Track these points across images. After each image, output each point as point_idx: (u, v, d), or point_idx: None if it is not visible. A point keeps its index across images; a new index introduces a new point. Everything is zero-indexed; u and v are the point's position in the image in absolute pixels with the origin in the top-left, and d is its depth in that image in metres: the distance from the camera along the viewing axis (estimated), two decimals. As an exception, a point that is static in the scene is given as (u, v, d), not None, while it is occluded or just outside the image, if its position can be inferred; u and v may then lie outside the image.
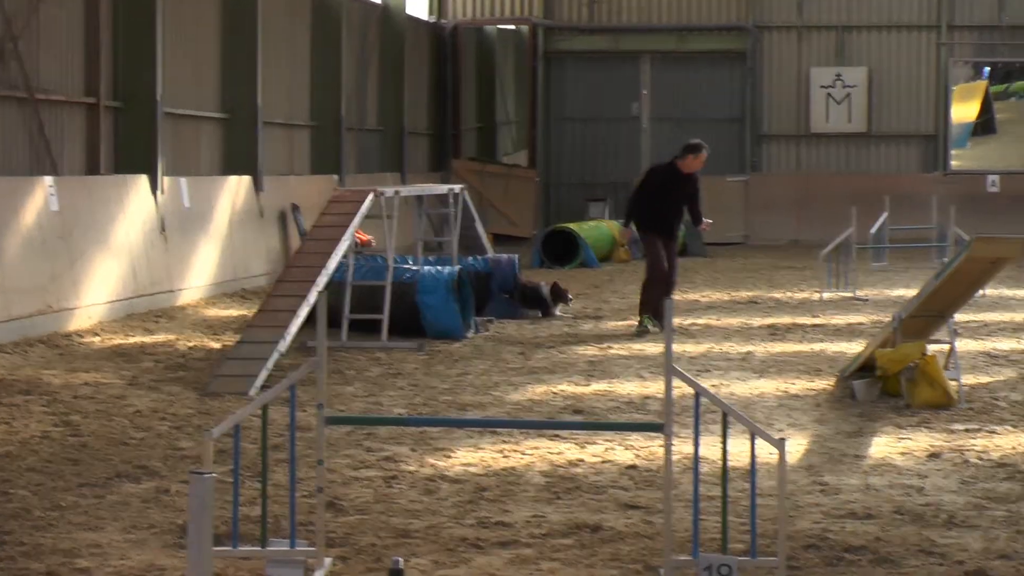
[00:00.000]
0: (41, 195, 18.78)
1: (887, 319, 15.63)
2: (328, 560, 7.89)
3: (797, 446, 11.72)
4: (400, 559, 7.33)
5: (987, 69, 38.44)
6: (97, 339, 18.21)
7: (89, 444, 11.81)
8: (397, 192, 19.93)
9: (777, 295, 24.66)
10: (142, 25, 21.48)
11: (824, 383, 15.06)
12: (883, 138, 38.37)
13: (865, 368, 14.20)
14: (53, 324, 18.33)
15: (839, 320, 20.60)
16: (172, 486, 9.97)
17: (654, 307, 17.80)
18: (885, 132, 38.16)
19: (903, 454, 11.56)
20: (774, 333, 19.45)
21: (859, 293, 23.25)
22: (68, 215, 19.27)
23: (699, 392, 7.77)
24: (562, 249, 29.55)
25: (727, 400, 11.31)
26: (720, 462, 7.93)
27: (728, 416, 7.87)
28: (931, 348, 13.91)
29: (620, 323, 19.97)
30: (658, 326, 17.63)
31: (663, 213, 18.62)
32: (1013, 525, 9.13)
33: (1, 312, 17.07)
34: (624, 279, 27.04)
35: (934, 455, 11.45)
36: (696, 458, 8.01)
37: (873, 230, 27.31)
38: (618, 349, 17.77)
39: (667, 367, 7.61)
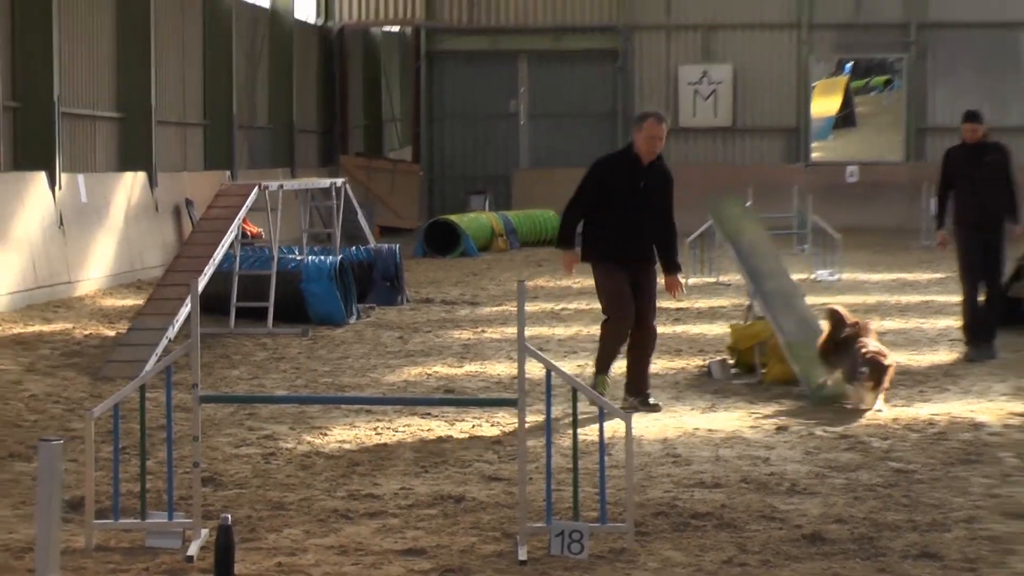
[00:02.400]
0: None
1: (744, 302, 15.91)
2: (204, 531, 7.92)
3: (654, 421, 11.87)
4: (229, 516, 7.35)
5: (848, 65, 39.30)
6: None
7: None
8: (281, 186, 19.99)
9: None
10: (39, 26, 21.26)
11: (683, 363, 15.31)
12: (747, 131, 38.55)
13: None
14: None
15: (702, 303, 20.75)
16: (67, 465, 9.70)
17: (607, 363, 12.50)
18: (749, 126, 38.39)
19: (753, 427, 11.74)
20: None
21: (722, 278, 23.31)
22: None
23: (550, 369, 8.01)
24: (444, 240, 29.54)
25: (585, 379, 12.00)
26: (581, 435, 8.30)
27: (576, 391, 8.06)
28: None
29: (495, 308, 20.26)
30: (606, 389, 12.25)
31: (623, 229, 12.04)
32: (851, 492, 9.41)
33: None
34: (501, 267, 27.49)
35: (782, 428, 11.64)
36: (548, 431, 8.22)
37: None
38: (491, 333, 18.03)
39: (520, 347, 7.87)
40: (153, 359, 14.02)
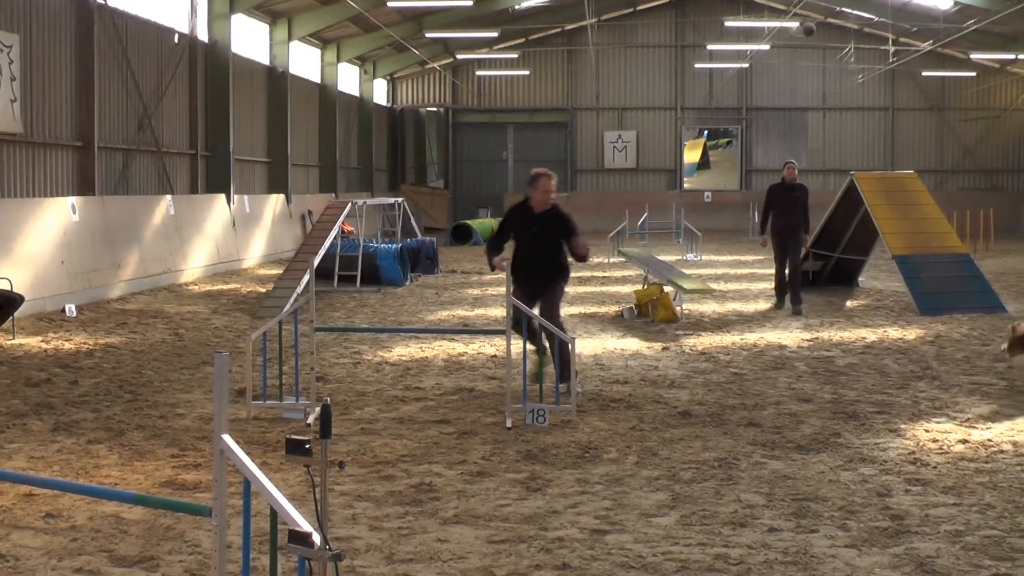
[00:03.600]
0: (164, 205, 24.75)
1: (642, 272, 20.54)
2: (317, 408, 10.33)
3: (588, 344, 15.31)
4: (329, 398, 10.02)
5: (705, 131, 52.78)
6: (195, 287, 23.61)
7: (188, 345, 15.52)
8: (365, 203, 26.48)
9: None
10: (221, 104, 29.50)
11: (606, 309, 19.66)
12: (645, 171, 52.69)
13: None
14: (171, 279, 24.24)
15: (618, 274, 26.98)
16: (234, 368, 12.90)
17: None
18: (646, 167, 52.29)
19: (648, 348, 15.19)
20: (580, 281, 24.93)
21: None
22: (179, 217, 25.51)
23: (526, 312, 10.98)
24: (463, 235, 40.06)
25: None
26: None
27: (541, 326, 11.03)
28: (666, 288, 18.51)
29: (494, 276, 24.43)
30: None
31: (525, 261, 12.29)
32: (706, 386, 12.27)
33: (142, 272, 22.35)
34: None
35: (665, 348, 15.13)
36: (524, 350, 11.00)
37: (639, 222, 37.64)
38: (492, 292, 22.74)
39: (507, 299, 10.66)
40: (288, 305, 17.66)
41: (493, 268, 12.31)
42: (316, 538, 4.46)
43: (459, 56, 50.35)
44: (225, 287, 23.94)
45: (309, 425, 10.31)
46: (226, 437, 4.73)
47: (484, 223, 42.36)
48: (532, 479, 8.55)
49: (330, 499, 7.38)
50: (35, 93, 21.41)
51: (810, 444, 9.63)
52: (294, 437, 4.78)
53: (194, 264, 25.86)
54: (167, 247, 24.61)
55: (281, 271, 23.52)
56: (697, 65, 50.54)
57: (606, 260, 31.53)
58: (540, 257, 12.20)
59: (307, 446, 4.73)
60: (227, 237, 28.52)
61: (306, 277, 20.05)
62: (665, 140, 52.87)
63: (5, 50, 20.12)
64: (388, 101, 52.40)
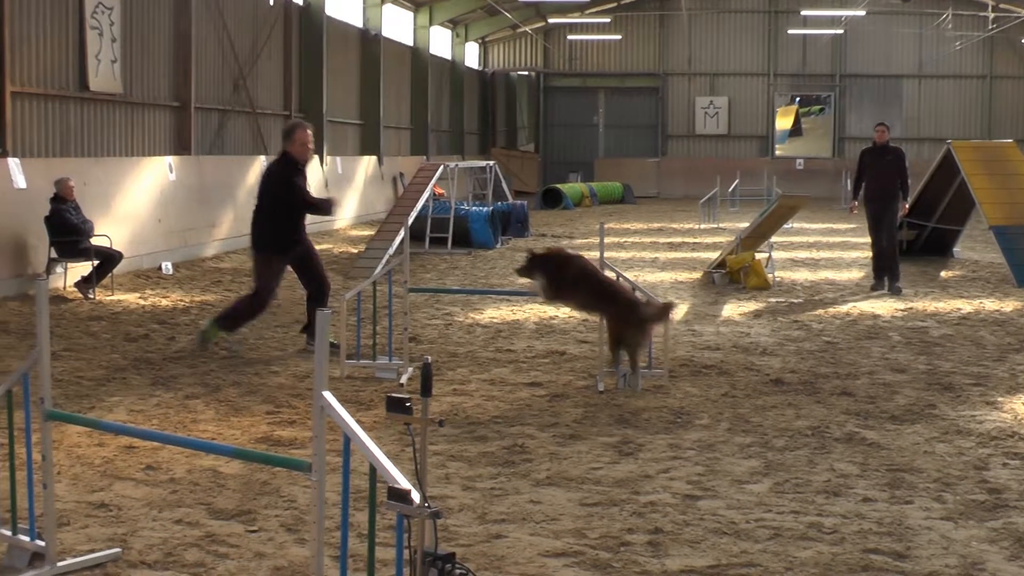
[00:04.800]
0: (258, 166, 24.73)
1: (733, 239, 20.01)
2: (409, 368, 10.74)
3: (680, 310, 15.20)
4: (429, 357, 10.24)
5: (798, 98, 52.32)
6: None
7: (281, 304, 15.36)
8: (456, 165, 26.51)
9: (674, 226, 31.53)
10: (314, 66, 29.67)
11: (697, 275, 19.51)
12: (737, 137, 52.02)
13: (720, 266, 18.30)
14: None
15: (708, 240, 26.42)
16: (328, 327, 13.31)
17: (233, 323, 11.93)
18: (738, 134, 51.62)
19: (740, 315, 15.13)
20: (671, 246, 24.93)
21: (720, 225, 31.30)
22: None
23: (619, 276, 10.87)
24: (553, 199, 39.87)
25: (642, 284, 14.73)
26: None
27: (635, 290, 10.77)
28: (758, 255, 18.38)
29: (584, 240, 25.39)
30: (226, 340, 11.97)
31: (297, 217, 12.17)
32: (799, 354, 12.19)
33: (236, 231, 22.39)
34: (587, 216, 35.58)
35: (757, 315, 15.04)
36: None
37: (730, 189, 37.13)
38: (583, 255, 22.68)
39: (600, 260, 10.60)
40: (380, 266, 17.79)
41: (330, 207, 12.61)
42: (415, 495, 4.48)
43: (551, 20, 50.19)
44: (318, 247, 23.82)
45: (402, 385, 10.40)
46: (327, 394, 4.76)
47: (574, 187, 42.46)
48: (624, 443, 8.54)
49: (418, 458, 7.41)
50: (134, 54, 21.66)
51: (904, 415, 9.51)
52: (395, 395, 4.81)
53: (287, 224, 26.22)
54: (261, 207, 24.97)
55: (373, 232, 23.65)
56: (790, 31, 49.93)
57: (697, 226, 31.31)
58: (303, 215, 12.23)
59: (407, 404, 4.75)
60: (320, 197, 28.91)
61: (399, 238, 20.22)
62: (757, 106, 52.35)
63: (107, 11, 20.35)
64: (479, 65, 52.34)
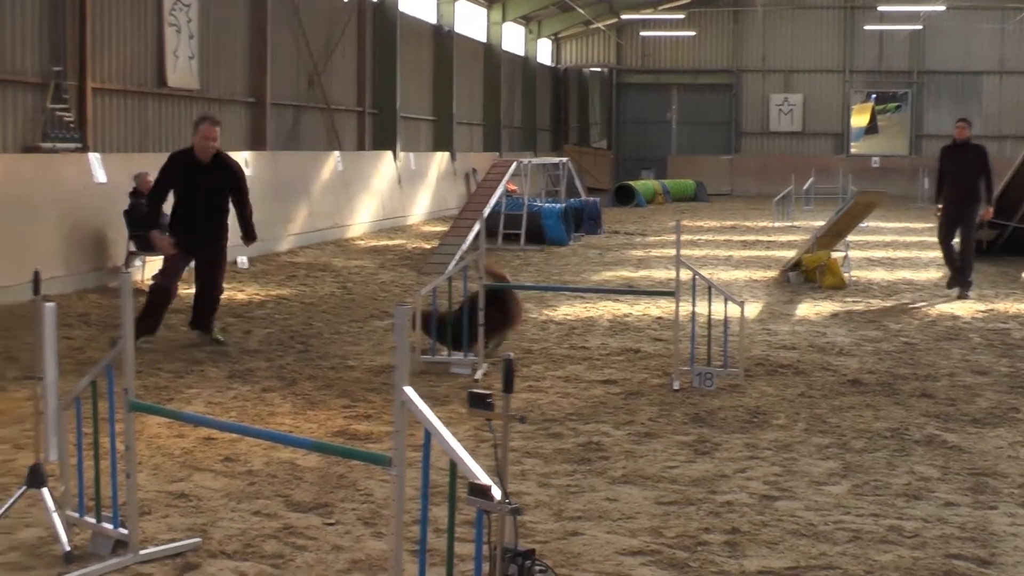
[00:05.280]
0: (332, 161, 24.99)
1: (808, 238, 19.90)
2: (484, 365, 10.76)
3: (754, 309, 15.17)
4: (511, 353, 10.19)
5: (873, 95, 51.90)
6: (362, 242, 23.92)
7: (356, 299, 15.83)
8: (529, 162, 26.89)
9: (748, 224, 31.27)
10: (388, 62, 29.56)
11: (771, 274, 19.36)
12: (811, 134, 51.58)
13: (796, 266, 18.14)
14: (338, 233, 24.65)
15: (782, 238, 26.12)
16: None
17: (151, 324, 11.63)
18: (812, 131, 51.11)
19: (816, 314, 15.00)
20: (745, 245, 24.75)
21: (794, 223, 30.97)
22: (347, 173, 25.80)
23: (695, 274, 10.77)
24: (625, 196, 39.54)
25: (716, 281, 14.70)
26: (712, 315, 10.76)
27: (711, 288, 10.75)
28: (834, 254, 18.20)
29: (657, 238, 25.69)
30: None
31: (192, 213, 11.55)
32: (877, 355, 12.07)
33: (310, 226, 22.81)
34: (660, 213, 35.37)
35: (834, 315, 14.90)
36: (693, 313, 10.90)
37: (804, 188, 36.75)
38: (655, 252, 22.57)
39: (676, 260, 10.53)
40: (453, 263, 18.03)
41: (155, 247, 11.32)
42: (495, 491, 4.49)
43: (624, 16, 49.97)
44: (391, 242, 24.29)
45: (477, 381, 10.42)
46: (407, 389, 4.77)
47: (647, 184, 42.40)
48: (700, 442, 8.50)
49: (498, 454, 7.41)
50: (211, 51, 21.88)
51: (986, 418, 9.36)
52: (477, 391, 4.82)
53: (360, 219, 26.27)
54: (335, 202, 25.04)
55: (446, 228, 23.74)
56: (867, 27, 49.39)
57: (770, 224, 31.09)
58: (214, 211, 11.59)
59: (489, 400, 4.76)
60: (392, 193, 28.89)
61: (472, 234, 20.27)
62: (832, 103, 51.83)
63: (185, 9, 20.58)
64: (552, 61, 52.27)
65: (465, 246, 20.02)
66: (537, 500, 7.05)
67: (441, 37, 35.46)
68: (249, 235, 11.78)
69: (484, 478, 4.50)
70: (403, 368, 4.80)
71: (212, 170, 11.50)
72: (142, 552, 5.92)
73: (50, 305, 5.96)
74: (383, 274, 19.11)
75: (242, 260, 19.29)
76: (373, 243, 24.09)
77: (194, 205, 11.55)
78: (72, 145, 17.67)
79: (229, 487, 7.18)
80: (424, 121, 34.46)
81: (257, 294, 16.29)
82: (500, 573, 4.67)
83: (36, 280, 6.15)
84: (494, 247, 22.61)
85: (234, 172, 11.72)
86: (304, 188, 23.63)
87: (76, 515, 6.11)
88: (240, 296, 16.00)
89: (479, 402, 4.77)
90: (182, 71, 20.64)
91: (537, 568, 4.76)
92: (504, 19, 42.02)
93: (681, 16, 49.98)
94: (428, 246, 23.18)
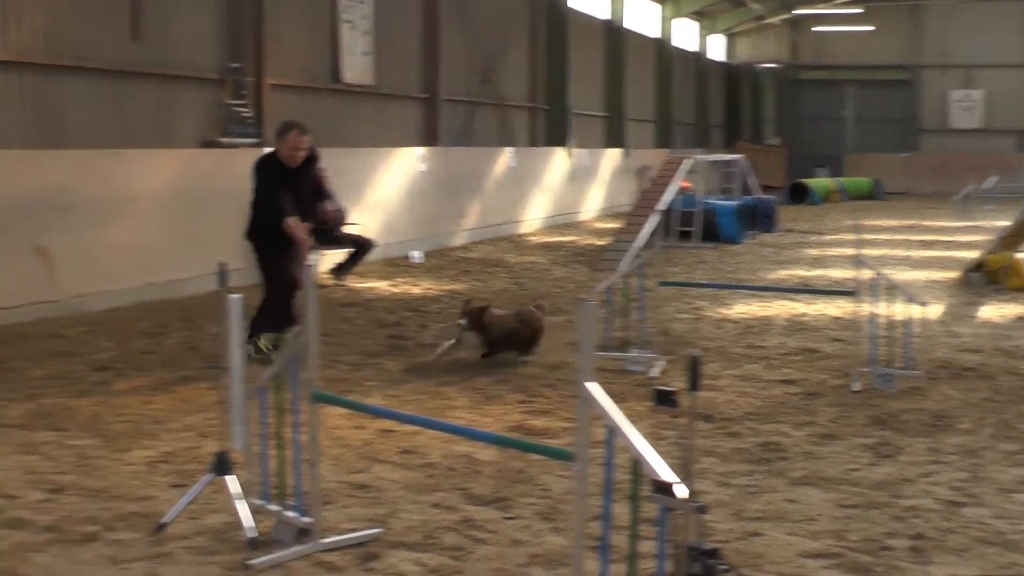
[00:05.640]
0: (505, 158, 25.12)
1: (991, 238, 19.41)
2: (660, 362, 10.76)
3: (936, 310, 14.68)
4: (699, 352, 10.36)
5: None
6: (534, 238, 24.13)
7: (528, 295, 15.67)
8: (703, 159, 26.75)
9: (926, 223, 30.52)
10: (559, 58, 29.76)
11: (952, 275, 18.76)
12: (993, 131, 49.52)
13: (979, 267, 17.62)
14: (511, 229, 24.89)
15: (963, 238, 25.24)
16: (575, 319, 12.81)
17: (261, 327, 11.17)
18: (995, 128, 49.15)
19: (1000, 316, 14.54)
20: (924, 244, 24.18)
21: (976, 223, 29.37)
22: (520, 168, 25.95)
23: (877, 274, 10.48)
24: (799, 194, 39.35)
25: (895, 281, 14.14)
26: (893, 316, 10.45)
27: (895, 288, 10.45)
28: (1018, 255, 17.54)
29: (833, 236, 25.21)
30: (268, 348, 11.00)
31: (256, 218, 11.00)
32: None
33: (482, 222, 23.16)
34: (836, 212, 34.78)
35: (1019, 317, 14.40)
36: (874, 313, 10.40)
37: (986, 186, 35.49)
38: (831, 251, 22.09)
39: (856, 259, 10.45)
40: (628, 258, 17.98)
41: (292, 234, 10.66)
42: (679, 490, 4.45)
43: (797, 11, 49.15)
44: (562, 239, 24.37)
45: (652, 378, 10.34)
46: (592, 384, 4.76)
47: (821, 182, 41.69)
48: (882, 445, 8.30)
49: (683, 453, 7.37)
50: (385, 47, 22.20)
51: None
52: (662, 388, 4.78)
53: (532, 215, 26.40)
54: (507, 198, 25.20)
55: (618, 224, 23.69)
56: (1054, 19, 47.63)
57: (950, 224, 30.31)
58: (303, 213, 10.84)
59: (674, 397, 4.72)
60: (564, 190, 28.95)
61: (646, 230, 20.21)
62: (1017, 99, 49.84)
63: (359, 6, 20.92)
64: (725, 57, 51.79)
65: (638, 243, 19.91)
66: (716, 499, 6.97)
67: (612, 32, 35.40)
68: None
69: (669, 475, 4.46)
70: (587, 364, 4.79)
71: (301, 172, 11.04)
72: (324, 540, 6.02)
73: (236, 297, 6.08)
74: (556, 270, 19.20)
75: (414, 254, 19.54)
76: (545, 239, 24.20)
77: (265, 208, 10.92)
78: (249, 140, 18.12)
79: (408, 479, 7.26)
80: (596, 117, 34.46)
81: (431, 288, 16.48)
82: (685, 571, 4.63)
83: (223, 273, 6.27)
84: (666, 244, 22.43)
85: (316, 161, 11.25)
86: (476, 184, 23.84)
87: (260, 503, 6.23)
88: (414, 291, 16.21)
89: (664, 399, 4.74)
90: (356, 67, 20.98)
91: (721, 567, 4.69)
92: (677, 15, 41.77)
93: (859, 10, 48.75)
94: (601, 242, 23.19)
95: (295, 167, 10.89)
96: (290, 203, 10.69)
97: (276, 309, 11.04)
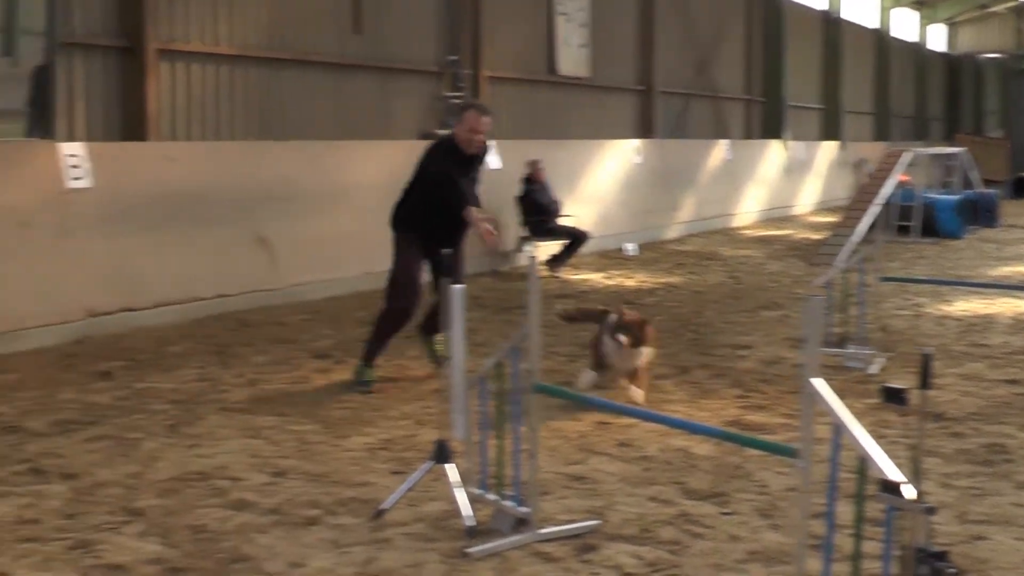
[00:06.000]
0: (720, 150, 25.00)
1: None
2: (880, 359, 10.51)
3: None
4: (931, 350, 10.07)
5: None
6: (748, 231, 23.85)
7: (745, 289, 15.71)
8: (922, 152, 25.92)
9: None
10: (775, 50, 29.74)
11: None
12: None
13: None
14: (725, 222, 24.70)
15: None
16: (791, 314, 13.22)
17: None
18: None
19: None
20: None
21: None
22: (735, 161, 25.64)
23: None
24: (1023, 188, 37.77)
25: None
26: None
27: None
28: None
29: None
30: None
31: (411, 201, 9.85)
32: None
33: (697, 214, 23.18)
34: None
35: None
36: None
37: None
38: None
39: None
40: (846, 253, 17.52)
41: (475, 225, 9.28)
42: (908, 490, 4.35)
43: (1025, -2, 47.64)
44: (778, 232, 24.06)
45: (871, 375, 10.09)
46: (817, 381, 4.69)
47: (1055, 177, 40.18)
48: (1118, 449, 7.95)
49: (904, 453, 7.21)
50: (601, 39, 22.23)
51: None
52: (891, 386, 4.68)
53: (747, 208, 26.12)
54: (722, 191, 24.99)
55: (834, 218, 23.26)
56: None
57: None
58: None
59: (904, 395, 4.61)
60: (779, 183, 28.56)
61: (861, 225, 19.76)
62: None
63: (576, -1, 21.00)
64: (946, 47, 50.30)
65: (855, 237, 19.50)
66: (939, 501, 6.77)
67: (829, 23, 34.78)
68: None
69: (897, 475, 4.36)
70: (812, 360, 4.71)
71: (475, 163, 9.78)
72: (542, 531, 6.06)
73: (458, 287, 6.17)
74: (771, 264, 18.96)
75: (628, 246, 19.54)
76: (759, 232, 23.93)
77: (432, 193, 9.66)
78: (468, 133, 18.34)
79: (625, 472, 7.26)
80: (812, 110, 33.92)
81: (645, 281, 16.46)
82: (912, 573, 4.52)
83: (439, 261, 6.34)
84: (886, 239, 21.88)
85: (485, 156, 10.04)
86: (691, 176, 23.69)
87: (479, 492, 6.31)
88: (629, 283, 16.22)
89: (894, 397, 4.63)
90: (573, 59, 21.07)
91: (950, 571, 4.56)
92: (896, 4, 40.76)
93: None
94: (817, 236, 22.81)
95: (471, 154, 9.57)
96: (470, 192, 9.44)
97: (387, 319, 9.83)
